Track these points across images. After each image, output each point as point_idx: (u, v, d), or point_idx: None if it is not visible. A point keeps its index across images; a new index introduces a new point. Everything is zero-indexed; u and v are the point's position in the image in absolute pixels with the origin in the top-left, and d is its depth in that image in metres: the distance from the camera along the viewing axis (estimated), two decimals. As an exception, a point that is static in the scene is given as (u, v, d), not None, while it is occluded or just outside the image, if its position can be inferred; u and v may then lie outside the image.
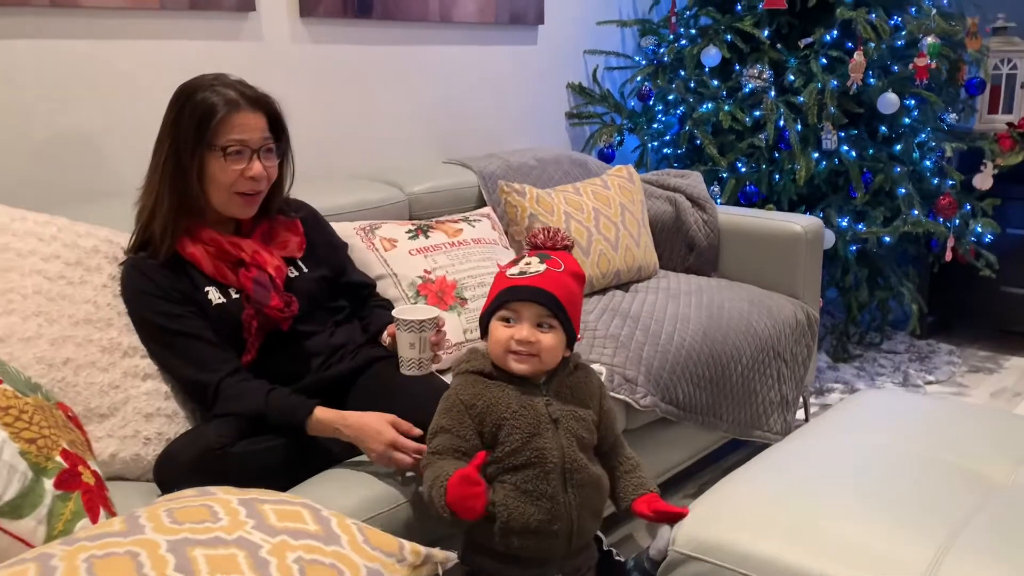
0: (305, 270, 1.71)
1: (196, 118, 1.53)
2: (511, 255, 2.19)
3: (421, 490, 1.40)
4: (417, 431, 1.53)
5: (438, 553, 1.13)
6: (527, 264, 1.39)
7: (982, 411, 1.82)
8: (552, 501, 1.34)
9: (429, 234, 2.06)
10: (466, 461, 1.32)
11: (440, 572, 1.14)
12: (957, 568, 1.17)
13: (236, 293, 1.61)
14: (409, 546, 1.09)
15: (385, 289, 1.93)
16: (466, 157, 2.59)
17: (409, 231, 2.04)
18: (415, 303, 1.92)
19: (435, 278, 1.97)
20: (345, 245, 1.89)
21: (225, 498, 1.06)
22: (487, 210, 2.31)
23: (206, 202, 1.58)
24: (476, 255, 2.07)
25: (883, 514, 1.30)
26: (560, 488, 1.35)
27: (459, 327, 1.93)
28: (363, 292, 1.83)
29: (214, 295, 1.60)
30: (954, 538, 1.23)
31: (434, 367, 1.67)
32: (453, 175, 2.46)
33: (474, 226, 2.16)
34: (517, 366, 1.37)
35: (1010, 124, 3.17)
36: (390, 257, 1.97)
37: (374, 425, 1.51)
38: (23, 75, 1.89)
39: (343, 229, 1.97)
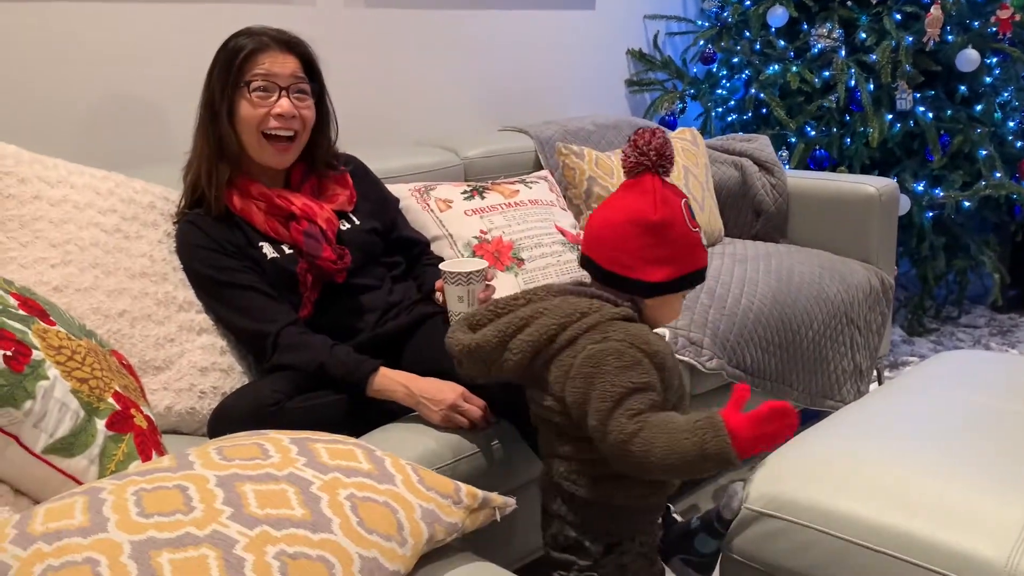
0: (357, 223, 1.68)
1: (226, 60, 1.54)
2: (569, 217, 2.13)
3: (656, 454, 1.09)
4: (482, 403, 1.50)
5: (496, 498, 1.08)
6: (701, 232, 1.25)
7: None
8: None
9: (485, 195, 2.01)
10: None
11: (498, 517, 1.09)
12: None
13: (289, 248, 1.59)
14: (466, 488, 1.05)
15: (441, 250, 1.90)
16: (523, 123, 2.54)
17: (464, 192, 2.00)
18: (469, 260, 1.88)
19: (491, 238, 1.92)
20: (396, 200, 1.86)
21: (277, 437, 1.02)
22: (544, 173, 2.25)
23: (240, 147, 1.56)
24: (533, 216, 2.01)
25: (970, 471, 1.20)
26: None
27: (516, 287, 1.88)
28: (415, 249, 1.79)
29: (268, 250, 1.59)
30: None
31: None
32: (509, 140, 2.42)
33: (531, 188, 2.10)
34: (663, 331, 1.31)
35: (1101, 82, 2.98)
36: (445, 218, 1.93)
37: (439, 393, 1.49)
38: (85, 35, 1.90)
39: (398, 191, 1.94)
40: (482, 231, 1.93)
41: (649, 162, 1.18)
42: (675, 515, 1.48)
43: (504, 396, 1.51)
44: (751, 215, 2.61)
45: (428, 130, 2.53)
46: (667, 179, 1.21)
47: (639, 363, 1.12)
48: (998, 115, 2.80)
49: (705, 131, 3.09)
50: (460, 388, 1.50)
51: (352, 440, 1.06)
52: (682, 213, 1.19)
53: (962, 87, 2.81)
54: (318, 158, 1.65)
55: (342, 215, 1.67)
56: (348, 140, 1.83)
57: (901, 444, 1.30)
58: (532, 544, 1.67)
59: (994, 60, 2.77)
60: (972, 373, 1.59)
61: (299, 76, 1.57)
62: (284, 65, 1.55)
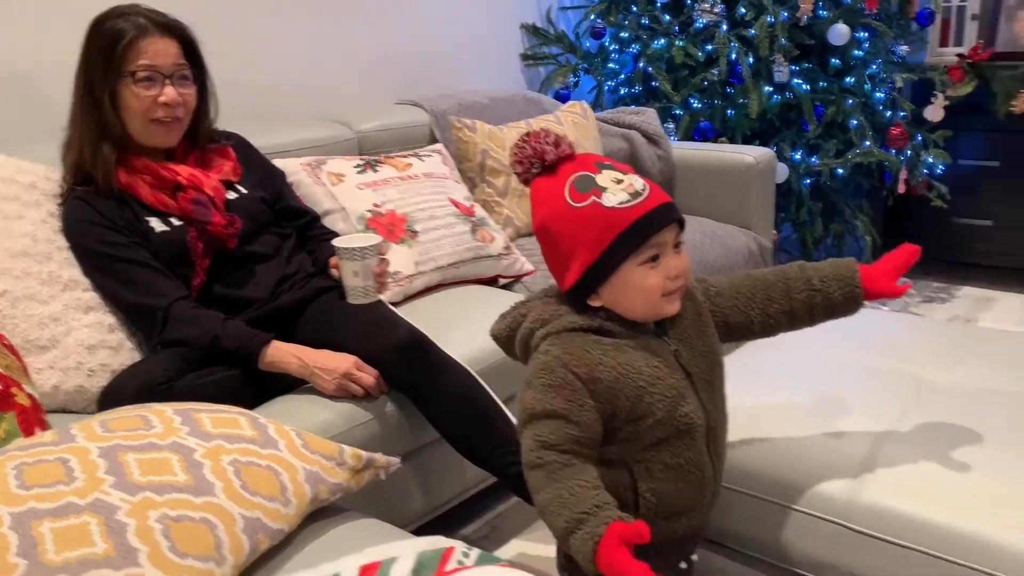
0: (244, 191, 1.70)
1: (105, 46, 1.53)
2: (463, 190, 2.18)
3: (534, 500, 1.01)
4: (375, 372, 1.55)
5: (380, 458, 1.13)
6: (627, 185, 1.01)
7: (923, 321, 1.86)
8: (702, 471, 1.07)
9: (378, 168, 2.04)
10: (591, 460, 1.01)
11: (383, 476, 1.15)
12: (895, 453, 1.20)
13: (178, 220, 1.60)
14: (349, 450, 1.10)
15: (334, 223, 1.92)
16: (418, 97, 2.57)
17: (357, 166, 2.03)
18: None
19: (385, 212, 1.96)
20: (282, 173, 1.88)
21: (160, 408, 1.05)
22: (438, 146, 2.29)
23: (125, 132, 1.57)
24: (427, 189, 2.05)
25: (823, 415, 1.32)
26: (706, 454, 1.08)
27: (410, 260, 1.92)
28: (303, 219, 1.81)
29: (156, 224, 1.59)
30: (892, 430, 1.26)
31: (381, 296, 1.67)
32: (404, 114, 2.44)
33: (424, 161, 2.14)
34: (671, 307, 1.04)
35: (960, 55, 3.19)
36: (338, 191, 1.95)
37: (332, 362, 1.53)
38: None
39: (288, 165, 1.96)
40: (375, 204, 1.96)
41: (524, 173, 1.06)
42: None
43: (398, 365, 1.57)
44: (640, 185, 2.71)
45: (322, 105, 2.53)
46: (561, 167, 1.03)
47: (566, 386, 0.99)
48: (868, 86, 2.97)
49: (598, 104, 3.18)
50: (353, 358, 1.55)
51: (236, 409, 1.10)
52: (562, 198, 1.00)
53: (834, 60, 2.96)
54: (200, 134, 1.67)
55: (228, 185, 1.69)
56: (236, 116, 1.83)
57: (762, 394, 1.41)
58: (430, 503, 1.74)
59: (863, 35, 2.93)
60: (832, 329, 1.71)
61: (181, 63, 1.58)
62: (167, 53, 1.55)
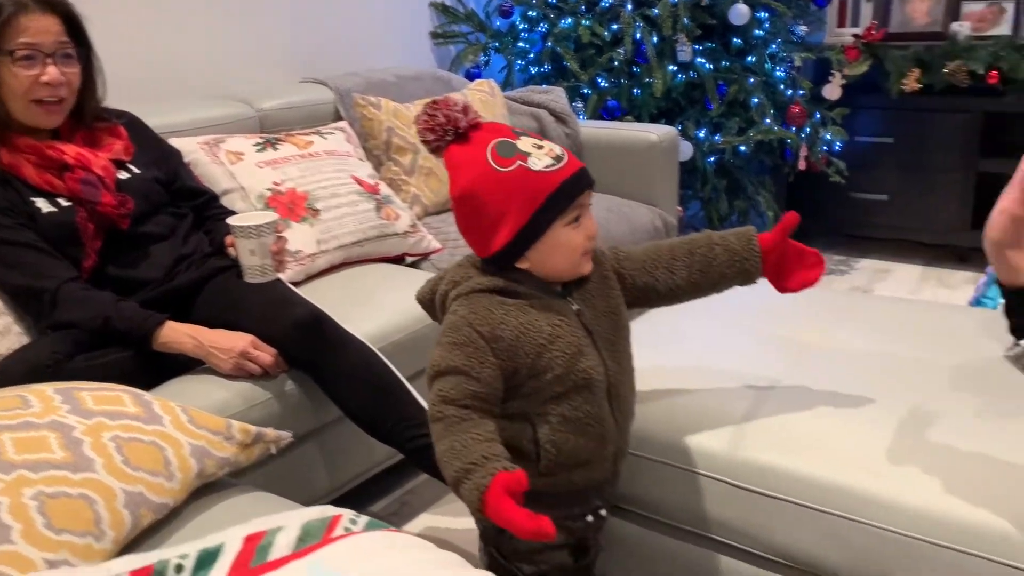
0: (136, 171, 1.67)
1: None
2: (367, 167, 2.18)
3: (436, 452, 1.03)
4: (273, 350, 1.54)
5: (270, 432, 1.14)
6: (548, 150, 1.04)
7: (811, 291, 1.93)
8: (602, 425, 1.12)
9: (278, 146, 2.02)
10: (489, 414, 1.04)
11: (274, 450, 1.15)
12: (771, 412, 1.26)
13: (66, 201, 1.56)
14: (238, 425, 1.10)
15: (233, 203, 1.90)
16: (324, 75, 2.54)
17: (257, 144, 2.00)
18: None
19: (285, 190, 1.94)
20: (178, 152, 1.84)
21: (40, 388, 1.03)
22: (342, 124, 2.27)
23: (6, 113, 1.52)
24: (328, 167, 2.04)
25: (708, 378, 1.37)
26: (607, 409, 1.12)
27: (312, 238, 1.91)
28: (200, 199, 1.79)
29: (42, 204, 1.55)
30: (772, 387, 1.32)
31: (280, 274, 1.67)
32: (308, 92, 2.42)
33: (326, 138, 2.13)
34: (587, 266, 1.10)
35: (856, 36, 3.31)
36: (236, 170, 1.93)
37: (228, 341, 1.52)
38: None
39: (185, 144, 1.92)
40: (275, 183, 1.94)
41: (436, 141, 1.05)
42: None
43: (297, 343, 1.56)
44: (549, 163, 2.74)
45: (224, 83, 2.48)
46: (473, 135, 1.04)
47: (469, 343, 1.03)
48: (768, 65, 3.06)
49: (508, 83, 3.19)
50: (249, 336, 1.54)
51: (121, 387, 1.09)
52: (485, 164, 1.02)
53: (736, 39, 3.04)
54: (87, 113, 1.62)
55: (120, 165, 1.65)
56: (131, 95, 1.79)
57: (659, 360, 1.46)
58: (336, 481, 1.74)
59: (764, 15, 3.02)
60: (739, 299, 1.78)
61: (63, 40, 1.53)
62: (47, 31, 1.50)
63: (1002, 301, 1.19)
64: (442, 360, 1.04)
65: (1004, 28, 3.21)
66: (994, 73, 3.03)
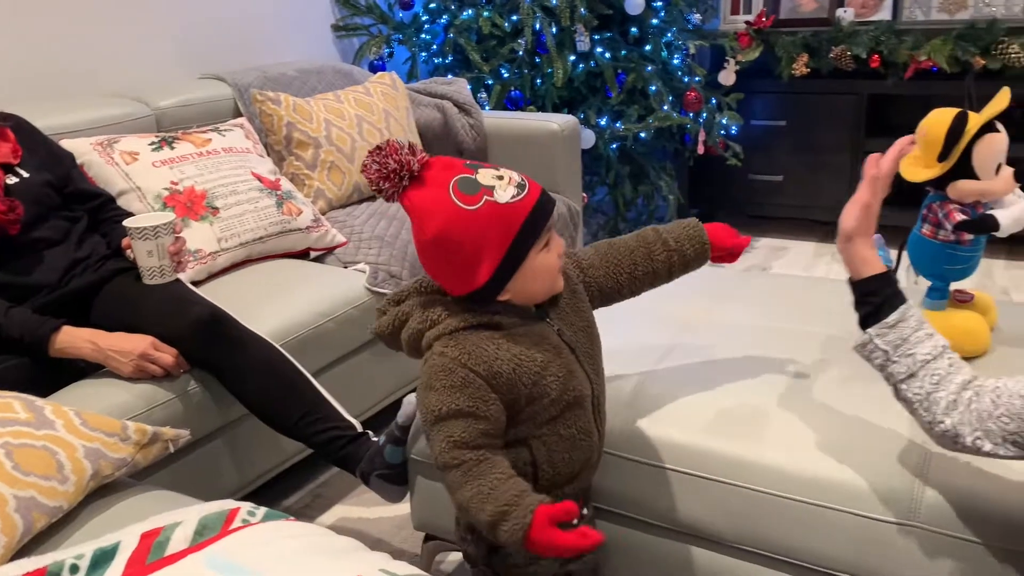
0: (26, 175, 1.64)
1: None
2: (267, 163, 2.18)
3: (457, 500, 1.03)
4: (174, 351, 1.54)
5: (167, 431, 1.15)
6: (508, 179, 1.03)
7: (705, 270, 2.02)
8: (591, 437, 1.15)
9: (175, 145, 2.00)
10: (499, 449, 1.05)
11: (172, 449, 1.16)
12: (654, 387, 1.33)
13: (-50, 209, 1.52)
14: (134, 426, 1.10)
15: (129, 204, 1.88)
16: (223, 71, 2.52)
17: (152, 143, 1.98)
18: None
19: (183, 189, 1.93)
20: (70, 155, 1.81)
21: (-76, 399, 1.02)
22: (240, 120, 2.26)
23: None
24: (227, 164, 2.03)
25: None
26: (593, 421, 1.15)
27: (212, 237, 1.91)
28: (94, 202, 1.77)
29: (-76, 213, 1.51)
30: (656, 366, 1.39)
31: (179, 274, 1.66)
32: (207, 88, 2.39)
33: (225, 135, 2.12)
34: (560, 282, 1.11)
35: (748, 23, 3.44)
36: (132, 171, 1.90)
37: (127, 344, 1.51)
38: None
39: (77, 145, 1.89)
40: (173, 182, 1.93)
41: (392, 189, 1.03)
42: (369, 434, 1.62)
43: (197, 342, 1.57)
44: (454, 153, 2.78)
45: (120, 81, 2.44)
46: (427, 175, 1.02)
47: (468, 384, 1.01)
48: (664, 54, 3.15)
49: (413, 75, 3.21)
50: (149, 338, 1.54)
51: (12, 394, 1.08)
52: (452, 205, 1.00)
53: (633, 29, 3.12)
54: None
55: (8, 169, 1.62)
56: (18, 96, 1.76)
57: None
58: (245, 478, 1.75)
59: (659, 3, 3.11)
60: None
61: None
62: None
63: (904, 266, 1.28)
64: (443, 404, 1.02)
65: (884, 14, 3.38)
66: (876, 57, 3.19)
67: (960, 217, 1.32)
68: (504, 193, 1.01)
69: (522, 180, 1.04)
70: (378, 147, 1.02)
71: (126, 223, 1.60)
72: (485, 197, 1.00)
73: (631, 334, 1.53)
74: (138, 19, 2.50)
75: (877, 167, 1.14)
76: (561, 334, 1.11)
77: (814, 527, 1.15)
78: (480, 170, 1.03)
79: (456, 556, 1.70)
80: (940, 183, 1.33)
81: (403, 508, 1.72)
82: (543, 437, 1.09)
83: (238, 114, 2.37)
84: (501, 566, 1.16)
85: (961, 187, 1.32)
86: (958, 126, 1.28)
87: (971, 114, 1.30)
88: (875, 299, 1.08)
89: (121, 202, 1.86)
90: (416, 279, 1.14)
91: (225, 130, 2.14)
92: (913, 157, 1.36)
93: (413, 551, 1.69)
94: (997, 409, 0.96)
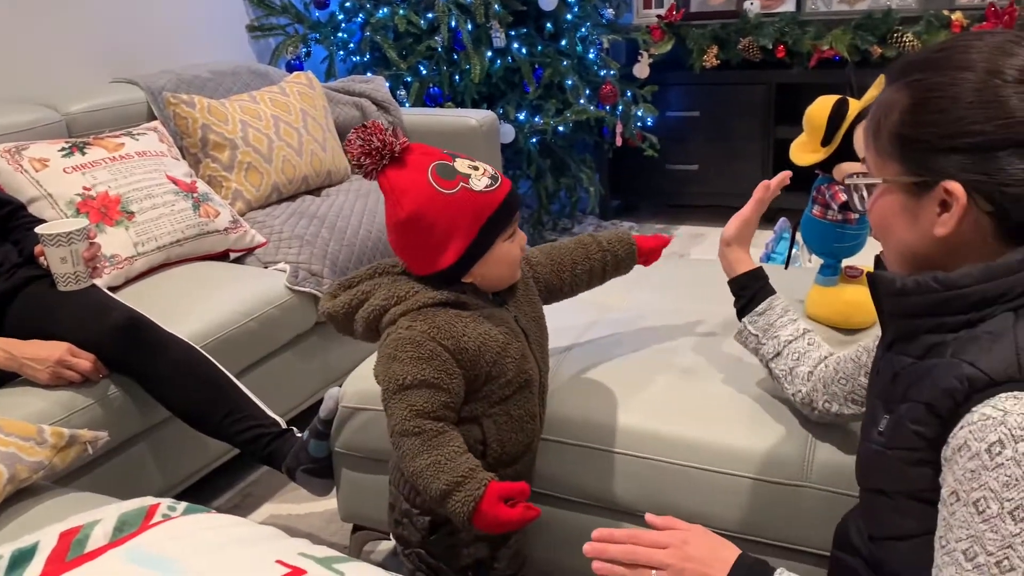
0: None
1: None
2: (182, 166, 2.17)
3: (406, 466, 1.08)
4: (91, 356, 1.53)
5: (85, 433, 1.16)
6: (483, 171, 1.10)
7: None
8: (535, 421, 1.21)
9: (86, 151, 1.98)
10: (455, 424, 1.11)
11: (90, 451, 1.17)
12: (572, 364, 1.39)
13: None
14: (49, 429, 1.11)
15: (41, 211, 1.86)
16: (136, 75, 2.49)
17: (62, 149, 1.95)
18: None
19: (96, 195, 1.91)
20: None
21: None
22: (154, 124, 2.24)
23: None
24: (141, 168, 2.02)
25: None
26: (537, 405, 1.22)
27: (128, 241, 1.90)
28: (4, 210, 1.74)
29: None
30: (570, 348, 1.45)
31: (95, 280, 1.66)
32: (119, 92, 2.36)
33: (138, 140, 2.10)
34: (519, 272, 1.19)
35: (659, 16, 3.53)
36: (42, 178, 1.88)
37: (43, 351, 1.50)
38: None
39: (-16, 152, 1.86)
40: (85, 188, 1.91)
41: (372, 165, 1.08)
42: (293, 430, 1.64)
43: (116, 347, 1.57)
44: (374, 152, 2.80)
45: (29, 87, 2.39)
46: (408, 158, 1.08)
47: (435, 357, 1.07)
48: (580, 48, 3.22)
49: (331, 74, 3.21)
50: (65, 344, 1.53)
51: (-79, 403, 1.08)
52: (430, 187, 1.06)
53: (549, 24, 3.18)
54: None
55: None
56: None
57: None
58: (171, 480, 1.75)
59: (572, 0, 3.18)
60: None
61: None
62: None
63: (794, 252, 1.38)
64: (408, 374, 1.06)
65: (789, 5, 3.51)
66: (781, 47, 3.32)
67: (845, 197, 1.41)
68: (479, 182, 1.08)
69: (495, 173, 1.11)
70: (363, 125, 1.08)
71: (38, 230, 1.59)
72: (461, 184, 1.07)
73: (550, 317, 1.58)
74: (46, 23, 2.46)
75: (765, 191, 1.29)
76: (518, 320, 1.18)
77: (716, 493, 1.22)
78: (457, 159, 1.10)
79: (385, 546, 1.73)
80: (826, 166, 1.42)
81: (332, 503, 1.75)
82: (494, 416, 1.15)
83: (152, 118, 2.35)
84: (438, 547, 1.21)
85: (845, 169, 1.41)
86: (839, 112, 1.37)
87: (851, 100, 1.39)
88: (747, 292, 1.24)
89: (32, 209, 1.83)
90: (368, 266, 1.20)
91: (138, 134, 2.13)
92: (801, 143, 1.45)
93: (343, 543, 1.72)
94: (836, 374, 1.11)
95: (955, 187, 0.78)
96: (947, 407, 0.75)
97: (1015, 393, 0.71)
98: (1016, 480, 0.69)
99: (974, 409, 0.73)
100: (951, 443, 0.74)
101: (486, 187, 1.09)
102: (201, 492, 1.91)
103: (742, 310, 1.25)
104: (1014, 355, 0.72)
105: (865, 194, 0.89)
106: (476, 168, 1.10)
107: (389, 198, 1.09)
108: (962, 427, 0.73)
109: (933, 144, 0.79)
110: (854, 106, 1.38)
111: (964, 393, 0.73)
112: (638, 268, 1.85)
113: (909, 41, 3.12)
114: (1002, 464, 0.70)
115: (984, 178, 0.77)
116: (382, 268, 1.18)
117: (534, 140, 3.19)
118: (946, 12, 3.14)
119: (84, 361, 1.53)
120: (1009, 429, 0.70)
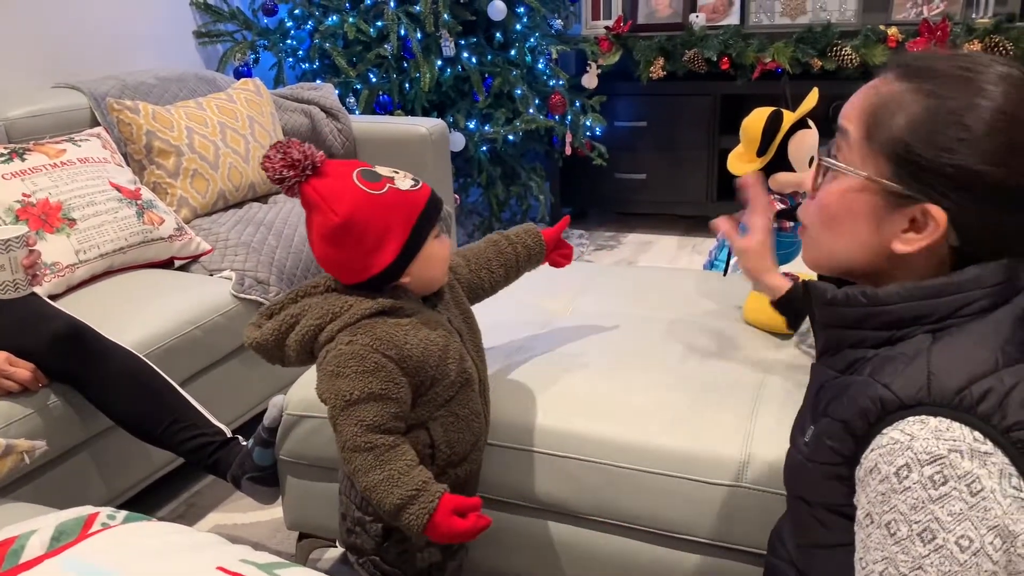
0: None
1: None
2: (126, 173, 2.14)
3: (362, 483, 1.08)
4: (30, 365, 1.51)
5: (22, 443, 1.14)
6: (403, 174, 1.13)
7: (576, 265, 2.12)
8: (479, 418, 1.23)
9: (26, 157, 1.94)
10: (405, 434, 1.12)
11: (27, 460, 1.15)
12: (515, 369, 1.41)
13: None
14: (-15, 439, 1.09)
15: (-21, 217, 1.82)
16: (79, 80, 2.45)
17: (1, 155, 1.92)
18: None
19: (36, 201, 1.88)
20: None
21: None
22: (97, 130, 2.21)
23: None
24: (83, 175, 1.99)
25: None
26: (480, 403, 1.23)
27: (69, 248, 1.87)
28: (-62, 217, 1.71)
29: None
30: (516, 353, 1.47)
31: (34, 288, 1.63)
32: (60, 98, 2.32)
33: (80, 146, 2.07)
34: (447, 275, 1.22)
35: (607, 28, 3.59)
36: (-20, 183, 1.84)
37: None
38: None
39: (-82, 158, 1.82)
40: (25, 194, 1.87)
41: (295, 177, 1.07)
42: (239, 438, 1.63)
43: (56, 356, 1.54)
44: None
45: (-37, 91, 2.34)
46: (328, 168, 1.09)
47: (381, 369, 1.07)
48: (529, 58, 3.25)
49: (280, 81, 3.20)
50: (3, 353, 1.50)
51: None
52: (359, 190, 1.07)
53: (498, 34, 3.21)
54: None
55: None
56: None
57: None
58: (113, 490, 1.73)
59: (521, 10, 3.20)
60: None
61: None
62: None
63: (732, 261, 1.42)
64: (355, 389, 1.06)
65: (733, 18, 3.59)
66: (726, 59, 3.39)
67: (780, 206, 1.46)
68: (403, 183, 1.11)
69: (415, 178, 1.14)
70: (279, 142, 1.07)
71: (-26, 237, 1.56)
72: (388, 184, 1.09)
73: (496, 325, 1.60)
74: (-17, 26, 2.41)
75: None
76: (451, 321, 1.21)
77: (657, 494, 1.25)
78: (376, 166, 1.12)
79: (332, 553, 1.73)
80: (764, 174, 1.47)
81: (278, 512, 1.74)
82: (440, 419, 1.16)
83: (95, 124, 2.32)
84: (391, 554, 1.22)
85: (780, 179, 1.46)
86: (773, 123, 1.42)
87: (785, 112, 1.44)
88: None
89: (-31, 216, 1.80)
90: (288, 292, 1.20)
91: (81, 140, 2.10)
92: (738, 153, 1.49)
93: (290, 552, 1.71)
94: None
95: (939, 213, 0.76)
96: (861, 428, 0.76)
97: (922, 417, 0.72)
98: (922, 503, 0.71)
99: (884, 432, 0.74)
100: (864, 464, 0.76)
101: (411, 187, 1.11)
102: (145, 502, 1.89)
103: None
104: (925, 379, 0.73)
105: (822, 178, 0.85)
106: (397, 172, 1.13)
107: (320, 207, 1.07)
108: (873, 449, 0.75)
109: (935, 165, 0.76)
110: (788, 118, 1.43)
111: (876, 415, 0.75)
112: (590, 277, 1.88)
113: (847, 55, 3.22)
114: (909, 488, 0.71)
115: (972, 216, 0.75)
116: (304, 291, 1.18)
117: (484, 148, 3.21)
118: (883, 27, 3.25)
119: (22, 370, 1.50)
120: (915, 454, 0.71)
